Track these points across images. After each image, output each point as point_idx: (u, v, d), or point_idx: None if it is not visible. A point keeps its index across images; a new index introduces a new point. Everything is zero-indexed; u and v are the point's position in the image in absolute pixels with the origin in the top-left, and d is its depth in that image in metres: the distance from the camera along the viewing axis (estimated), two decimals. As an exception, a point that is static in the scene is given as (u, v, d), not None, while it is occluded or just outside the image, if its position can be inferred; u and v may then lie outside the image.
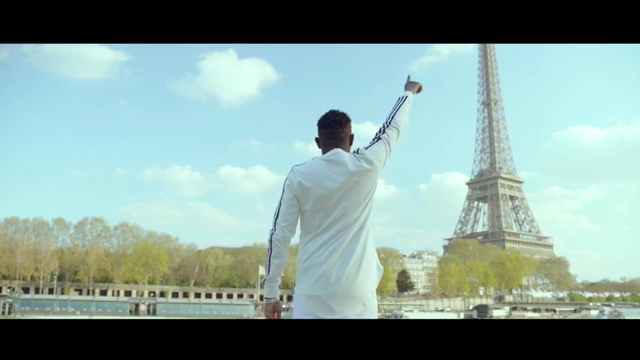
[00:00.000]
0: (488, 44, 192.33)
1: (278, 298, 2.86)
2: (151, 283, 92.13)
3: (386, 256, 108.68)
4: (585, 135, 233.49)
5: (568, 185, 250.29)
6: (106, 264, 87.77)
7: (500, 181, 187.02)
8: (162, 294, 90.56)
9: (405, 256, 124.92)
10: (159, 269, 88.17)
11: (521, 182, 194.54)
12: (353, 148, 2.95)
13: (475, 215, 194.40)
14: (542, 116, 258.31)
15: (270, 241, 2.80)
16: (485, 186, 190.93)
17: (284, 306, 65.61)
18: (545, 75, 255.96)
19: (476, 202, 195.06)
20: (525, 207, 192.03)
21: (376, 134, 2.98)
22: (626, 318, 54.38)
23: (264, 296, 2.87)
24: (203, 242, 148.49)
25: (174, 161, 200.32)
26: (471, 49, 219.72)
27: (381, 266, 2.86)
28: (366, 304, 2.72)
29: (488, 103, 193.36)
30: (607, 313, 70.29)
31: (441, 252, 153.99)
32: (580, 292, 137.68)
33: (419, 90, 3.38)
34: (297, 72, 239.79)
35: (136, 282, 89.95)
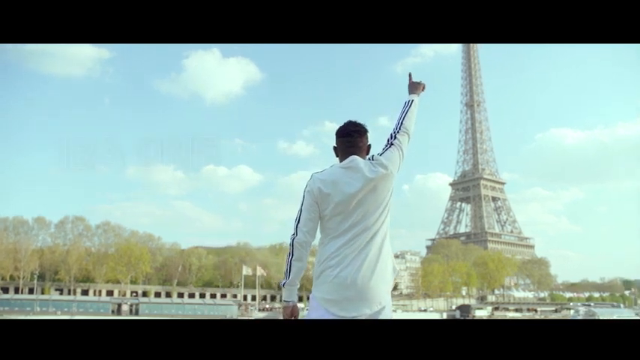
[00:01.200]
0: (471, 46, 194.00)
1: (296, 301, 2.92)
2: (133, 282, 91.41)
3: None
4: (566, 137, 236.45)
5: (549, 187, 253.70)
6: (88, 263, 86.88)
7: (482, 182, 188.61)
8: (144, 294, 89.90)
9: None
10: (141, 269, 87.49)
11: (503, 183, 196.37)
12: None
13: (458, 216, 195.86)
14: (524, 118, 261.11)
15: (292, 245, 2.87)
16: (468, 187, 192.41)
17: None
18: (527, 77, 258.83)
19: (459, 203, 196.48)
20: (507, 208, 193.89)
21: (388, 140, 3.07)
22: (600, 318, 55.21)
23: (283, 299, 2.91)
24: (186, 242, 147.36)
25: (157, 160, 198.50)
26: (455, 50, 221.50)
27: (397, 267, 2.95)
28: (382, 304, 2.79)
29: (471, 104, 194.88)
30: (582, 313, 71.44)
31: (424, 252, 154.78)
32: (561, 293, 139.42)
33: (423, 89, 3.43)
34: (282, 72, 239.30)
35: (118, 282, 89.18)
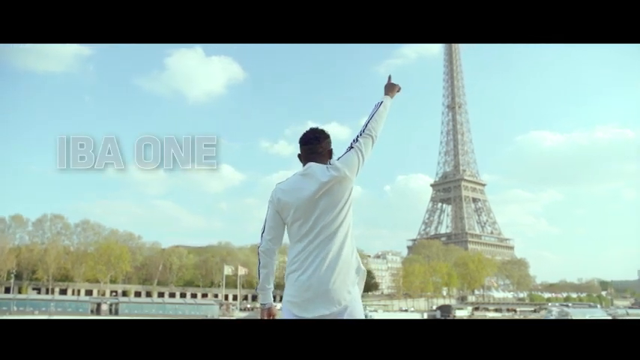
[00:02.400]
0: (453, 49, 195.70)
1: (272, 303, 3.08)
2: (112, 282, 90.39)
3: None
4: (546, 140, 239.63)
5: (529, 188, 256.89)
6: (66, 262, 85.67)
7: (463, 183, 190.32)
8: (124, 293, 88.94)
9: (369, 256, 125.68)
10: (121, 268, 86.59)
11: (483, 185, 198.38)
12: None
13: (439, 217, 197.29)
14: (505, 120, 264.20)
15: (259, 253, 3.07)
16: (449, 188, 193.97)
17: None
18: (508, 80, 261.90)
19: (440, 204, 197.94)
20: (488, 209, 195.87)
21: (351, 143, 3.13)
22: (573, 318, 56.13)
23: (259, 302, 3.11)
24: (167, 241, 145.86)
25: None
26: (437, 52, 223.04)
27: (363, 267, 3.03)
28: (342, 304, 2.85)
29: (452, 106, 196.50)
30: (555, 314, 72.53)
31: (405, 252, 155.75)
32: (539, 293, 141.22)
33: (398, 90, 3.47)
34: (265, 71, 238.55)
35: (97, 281, 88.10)
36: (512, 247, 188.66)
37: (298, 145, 3.16)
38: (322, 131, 3.17)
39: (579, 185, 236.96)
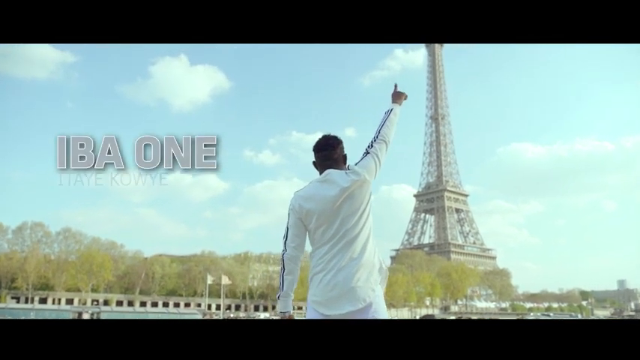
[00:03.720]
0: (437, 61, 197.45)
1: (291, 311, 3.14)
2: (94, 291, 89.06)
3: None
4: (527, 152, 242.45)
5: (511, 199, 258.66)
6: (47, 271, 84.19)
7: (446, 194, 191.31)
8: (106, 302, 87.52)
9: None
10: (103, 277, 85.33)
11: (466, 195, 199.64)
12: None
13: (422, 227, 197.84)
14: (487, 131, 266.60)
15: (283, 260, 3.14)
16: (432, 198, 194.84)
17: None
18: (490, 92, 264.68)
19: (423, 214, 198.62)
20: (470, 219, 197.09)
21: (365, 149, 3.27)
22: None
23: (279, 310, 3.13)
24: (150, 249, 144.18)
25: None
26: (421, 65, 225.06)
27: (385, 267, 3.18)
28: (367, 301, 2.97)
29: (435, 117, 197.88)
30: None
31: (388, 262, 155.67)
32: (521, 303, 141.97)
33: (405, 98, 3.61)
34: (250, 81, 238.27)
35: (78, 290, 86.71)
36: (494, 258, 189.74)
37: (312, 152, 3.25)
38: (335, 137, 3.27)
39: (560, 196, 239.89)
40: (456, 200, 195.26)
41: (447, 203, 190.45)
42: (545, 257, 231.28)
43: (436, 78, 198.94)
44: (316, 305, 3.01)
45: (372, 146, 3.26)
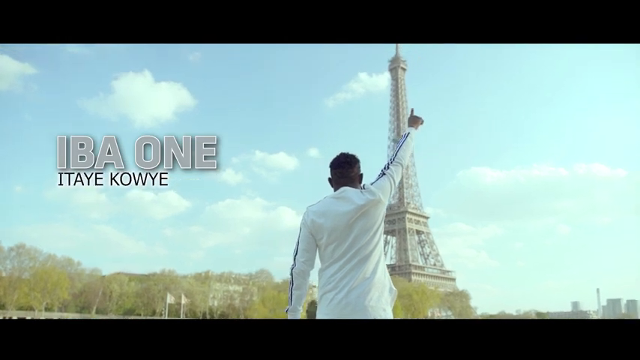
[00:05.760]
0: (399, 84, 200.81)
1: None
2: (48, 310, 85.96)
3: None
4: (486, 176, 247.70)
5: (471, 222, 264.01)
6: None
7: (407, 215, 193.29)
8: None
9: (314, 286, 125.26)
10: (58, 295, 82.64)
11: (427, 217, 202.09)
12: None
13: (384, 248, 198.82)
14: (448, 155, 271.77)
15: (292, 275, 3.11)
16: (393, 220, 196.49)
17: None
18: (451, 116, 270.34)
19: (385, 235, 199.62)
20: (431, 241, 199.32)
21: (381, 170, 3.31)
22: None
23: None
24: (108, 267, 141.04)
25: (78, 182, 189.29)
26: (384, 88, 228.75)
27: (395, 288, 3.14)
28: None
29: (398, 140, 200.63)
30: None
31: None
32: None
33: (421, 123, 3.75)
34: (214, 99, 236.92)
35: (31, 308, 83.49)
36: (454, 279, 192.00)
37: (329, 169, 3.27)
38: (353, 156, 3.29)
39: (518, 220, 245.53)
40: (417, 222, 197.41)
41: (408, 225, 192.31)
42: (503, 279, 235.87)
43: (399, 101, 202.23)
44: None
45: (388, 168, 3.30)
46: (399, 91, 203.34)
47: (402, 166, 3.37)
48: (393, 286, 3.13)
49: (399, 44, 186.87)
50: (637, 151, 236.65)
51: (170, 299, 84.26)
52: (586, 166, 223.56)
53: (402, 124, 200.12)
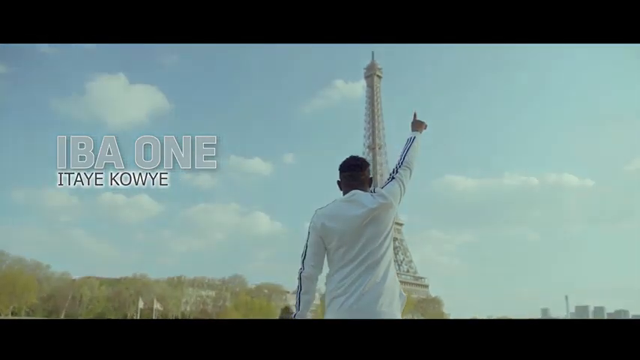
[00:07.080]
0: (375, 91, 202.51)
1: None
2: (14, 314, 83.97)
3: (270, 292, 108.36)
4: (458, 184, 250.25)
5: (444, 229, 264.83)
6: (-38, 292, 78.99)
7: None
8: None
9: (288, 292, 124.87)
10: (25, 299, 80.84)
11: (401, 224, 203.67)
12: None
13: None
14: (422, 163, 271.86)
15: (300, 279, 3.04)
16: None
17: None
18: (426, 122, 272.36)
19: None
20: (404, 248, 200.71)
21: (390, 174, 3.27)
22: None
23: None
24: (78, 271, 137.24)
25: (48, 183, 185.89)
26: (360, 95, 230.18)
27: (404, 294, 3.10)
28: None
29: (373, 147, 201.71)
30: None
31: (324, 289, 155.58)
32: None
33: (425, 127, 3.63)
34: (190, 103, 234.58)
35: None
36: (427, 286, 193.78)
37: (338, 171, 3.22)
38: (364, 160, 3.29)
39: (489, 227, 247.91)
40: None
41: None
42: (475, 286, 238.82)
43: (374, 109, 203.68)
44: None
45: (397, 172, 3.23)
46: (375, 98, 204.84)
47: (410, 170, 3.30)
48: (402, 292, 3.08)
49: (375, 51, 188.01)
50: (604, 162, 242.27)
51: (142, 304, 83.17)
52: (556, 175, 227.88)
53: (376, 132, 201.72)
